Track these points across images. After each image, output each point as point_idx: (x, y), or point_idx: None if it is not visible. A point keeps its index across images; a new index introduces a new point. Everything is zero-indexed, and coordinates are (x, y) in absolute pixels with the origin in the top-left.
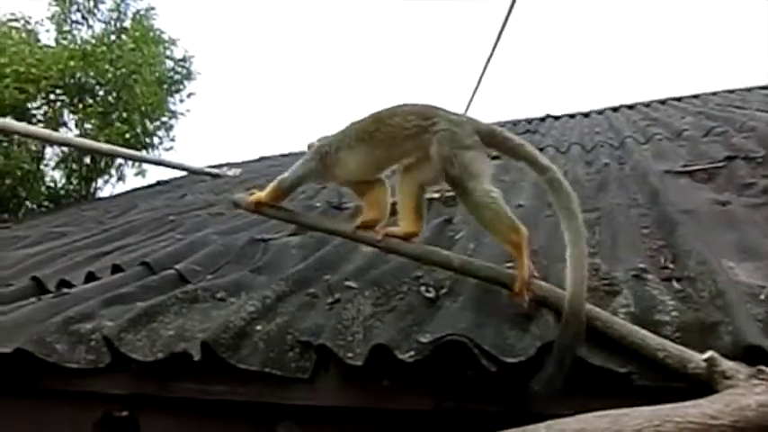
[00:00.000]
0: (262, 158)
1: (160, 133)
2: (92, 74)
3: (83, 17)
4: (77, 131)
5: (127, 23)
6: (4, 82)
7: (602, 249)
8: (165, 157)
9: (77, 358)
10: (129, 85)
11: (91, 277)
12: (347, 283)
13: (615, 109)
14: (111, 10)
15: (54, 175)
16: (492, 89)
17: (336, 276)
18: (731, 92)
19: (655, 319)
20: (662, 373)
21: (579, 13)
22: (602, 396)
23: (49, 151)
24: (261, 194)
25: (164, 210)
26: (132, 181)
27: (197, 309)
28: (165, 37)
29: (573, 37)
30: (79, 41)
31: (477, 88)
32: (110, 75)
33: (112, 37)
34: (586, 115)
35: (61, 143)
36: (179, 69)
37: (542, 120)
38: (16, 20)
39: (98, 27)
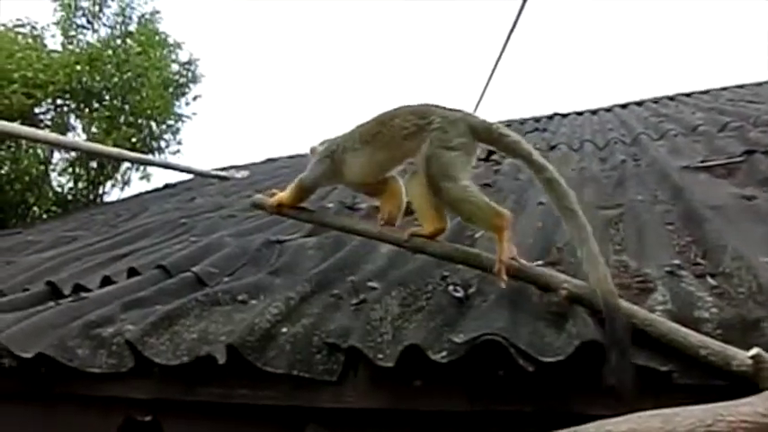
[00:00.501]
0: (268, 160)
1: (167, 136)
2: (98, 78)
3: (88, 21)
4: (84, 136)
5: (132, 27)
6: (12, 87)
7: (628, 246)
8: (172, 160)
9: (99, 363)
10: (136, 89)
11: (107, 281)
12: (370, 283)
13: (624, 106)
14: (117, 14)
15: (61, 180)
16: (496, 88)
17: (358, 277)
18: (741, 87)
19: (694, 317)
20: (704, 371)
21: (568, 13)
22: (641, 395)
23: (56, 156)
24: (282, 195)
25: (174, 213)
26: (137, 185)
27: (218, 311)
28: (171, 40)
29: (573, 37)
30: (85, 46)
31: (486, 88)
32: (116, 79)
33: (118, 41)
34: (594, 113)
35: (70, 147)
36: (184, 72)
37: (550, 118)
38: (22, 25)
39: (103, 31)
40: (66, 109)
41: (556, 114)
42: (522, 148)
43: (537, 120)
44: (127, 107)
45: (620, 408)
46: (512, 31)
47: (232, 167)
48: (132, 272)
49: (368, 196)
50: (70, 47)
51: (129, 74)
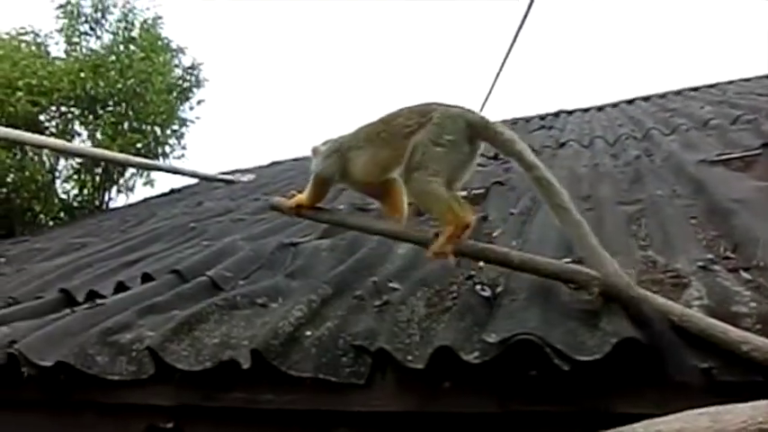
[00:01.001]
0: (273, 163)
1: (171, 141)
2: (102, 84)
3: (91, 28)
4: (90, 142)
5: (135, 33)
6: (17, 95)
7: (653, 242)
8: (177, 165)
9: (119, 370)
10: (140, 95)
11: (121, 287)
12: (391, 284)
13: (630, 101)
14: (119, 20)
15: (66, 187)
16: (500, 86)
17: (379, 278)
18: (748, 80)
19: (732, 311)
20: (745, 367)
21: (563, 12)
22: (679, 393)
23: (62, 163)
24: (302, 196)
25: (183, 217)
26: (141, 191)
27: (238, 316)
28: (173, 45)
29: (572, 37)
30: (89, 52)
31: (492, 86)
32: (120, 85)
33: (121, 47)
34: (600, 109)
35: (76, 154)
36: (188, 77)
37: (555, 115)
38: (26, 33)
39: (107, 38)
40: (70, 116)
41: (561, 112)
42: (515, 147)
43: (542, 117)
44: (131, 113)
45: (664, 406)
46: (518, 30)
47: (237, 171)
48: (146, 277)
49: (370, 198)
50: (74, 54)
51: (133, 79)
